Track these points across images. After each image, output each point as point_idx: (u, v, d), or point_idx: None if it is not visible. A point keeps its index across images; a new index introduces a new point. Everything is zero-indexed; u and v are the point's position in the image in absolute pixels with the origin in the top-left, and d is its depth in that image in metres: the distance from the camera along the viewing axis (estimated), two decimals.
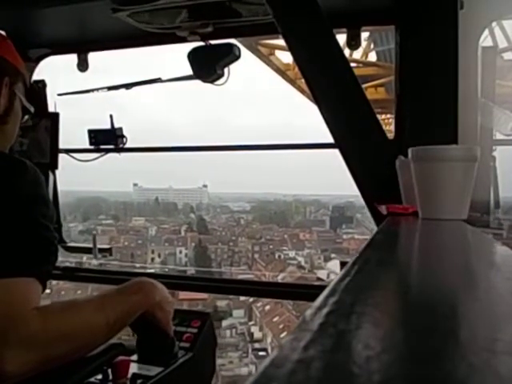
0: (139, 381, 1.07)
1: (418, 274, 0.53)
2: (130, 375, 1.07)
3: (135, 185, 27.35)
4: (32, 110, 1.20)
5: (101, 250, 2.35)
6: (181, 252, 19.21)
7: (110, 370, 1.06)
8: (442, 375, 0.21)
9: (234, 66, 1.90)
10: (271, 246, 18.63)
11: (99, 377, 1.05)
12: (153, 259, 18.93)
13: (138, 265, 17.96)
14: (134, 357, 1.15)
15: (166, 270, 17.48)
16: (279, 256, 17.65)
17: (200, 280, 2.31)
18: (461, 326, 0.31)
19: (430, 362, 0.22)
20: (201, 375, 1.30)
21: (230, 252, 19.34)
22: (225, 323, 15.17)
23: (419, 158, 1.07)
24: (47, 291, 0.96)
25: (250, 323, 15.27)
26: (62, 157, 2.26)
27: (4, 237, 0.85)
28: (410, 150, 1.09)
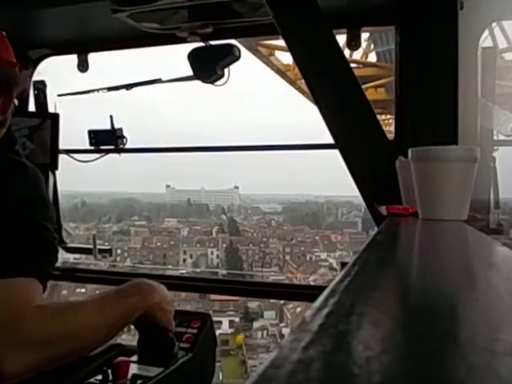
0: (139, 381, 1.07)
1: (418, 274, 0.53)
2: (129, 376, 1.07)
3: (168, 186, 27.62)
4: (16, 103, 1.17)
5: (101, 251, 2.35)
6: (212, 253, 19.35)
7: (109, 371, 1.06)
8: (441, 375, 0.21)
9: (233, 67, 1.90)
10: (302, 248, 18.58)
11: (99, 377, 1.05)
12: (185, 260, 19.13)
13: (170, 266, 18.17)
14: (134, 357, 1.15)
15: (198, 270, 17.64)
16: (310, 258, 17.56)
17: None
18: (461, 327, 0.31)
19: (429, 362, 0.22)
20: (201, 376, 1.30)
21: (261, 253, 19.38)
22: (256, 324, 15.22)
23: (419, 159, 1.07)
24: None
25: (281, 325, 15.26)
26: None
27: (4, 237, 0.85)
28: (410, 151, 1.09)
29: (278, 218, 22.44)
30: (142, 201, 25.60)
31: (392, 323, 0.32)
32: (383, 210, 1.29)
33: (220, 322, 15.75)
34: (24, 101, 2.29)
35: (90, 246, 2.35)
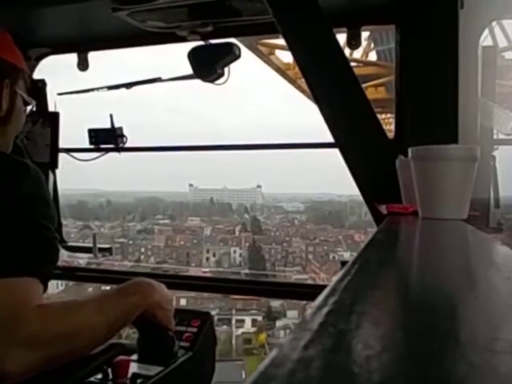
0: (139, 380, 1.07)
1: (418, 273, 0.53)
2: (129, 375, 1.07)
3: (191, 185, 27.84)
4: (33, 102, 1.20)
5: (101, 250, 2.35)
6: (235, 252, 19.48)
7: (109, 370, 1.06)
8: (442, 374, 0.21)
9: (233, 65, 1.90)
10: (325, 247, 18.57)
11: (99, 376, 1.05)
12: (208, 259, 19.30)
13: (193, 264, 18.25)
14: (134, 356, 1.15)
15: (220, 270, 17.74)
16: (333, 257, 17.54)
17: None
18: (461, 326, 0.31)
19: (430, 361, 0.22)
20: (201, 375, 1.30)
21: (284, 252, 19.43)
22: (279, 323, 15.26)
23: (419, 158, 1.07)
24: None
25: None
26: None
27: (6, 237, 0.85)
28: (410, 150, 1.09)
29: (301, 217, 22.48)
30: (165, 200, 25.93)
31: (392, 322, 0.32)
32: (383, 208, 1.29)
33: (243, 321, 15.79)
34: None
35: (90, 245, 2.35)
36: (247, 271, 17.71)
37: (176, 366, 1.15)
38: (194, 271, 17.02)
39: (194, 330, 1.28)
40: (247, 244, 19.64)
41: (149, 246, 19.61)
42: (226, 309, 15.98)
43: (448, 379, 0.21)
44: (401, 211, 1.23)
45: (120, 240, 19.67)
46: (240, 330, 15.55)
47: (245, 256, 19.32)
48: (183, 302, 14.51)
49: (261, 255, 19.24)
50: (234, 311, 15.94)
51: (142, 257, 18.98)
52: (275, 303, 15.20)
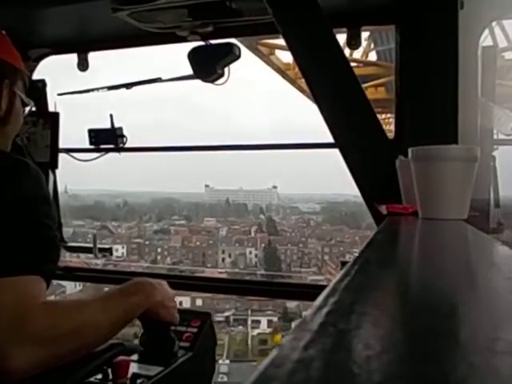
0: (139, 380, 1.07)
1: (418, 273, 0.53)
2: (129, 375, 1.07)
3: (207, 186, 27.93)
4: (32, 103, 1.20)
5: (101, 250, 2.35)
6: (251, 252, 19.51)
7: (109, 370, 1.06)
8: (442, 375, 0.21)
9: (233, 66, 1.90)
10: (341, 248, 18.48)
11: (99, 376, 1.05)
12: (223, 259, 19.36)
13: (209, 265, 18.27)
14: (134, 356, 1.15)
15: (236, 270, 17.74)
16: (350, 258, 17.40)
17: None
18: (461, 326, 0.31)
19: (430, 362, 0.22)
20: (201, 375, 1.30)
21: (300, 253, 19.38)
22: (294, 324, 15.24)
23: (419, 158, 1.07)
24: None
25: None
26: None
27: (8, 236, 0.86)
28: (410, 150, 1.09)
29: (317, 218, 22.42)
30: (181, 200, 26.05)
31: (392, 322, 0.32)
32: (383, 209, 1.29)
33: (258, 322, 15.78)
34: None
35: (90, 245, 2.35)
36: (263, 272, 17.70)
37: (176, 366, 1.15)
38: (209, 272, 17.06)
39: (194, 330, 1.28)
40: (263, 245, 19.63)
41: (165, 246, 19.67)
42: (241, 309, 16.00)
43: (448, 379, 0.21)
44: (401, 211, 1.23)
45: (136, 240, 19.81)
46: (256, 331, 15.56)
47: (260, 257, 19.33)
48: (199, 302, 14.58)
49: (276, 256, 19.23)
50: (249, 312, 15.95)
51: (159, 257, 19.03)
52: (291, 304, 15.18)
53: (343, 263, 1.70)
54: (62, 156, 2.27)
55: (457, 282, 0.46)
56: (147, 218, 22.15)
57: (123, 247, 18.80)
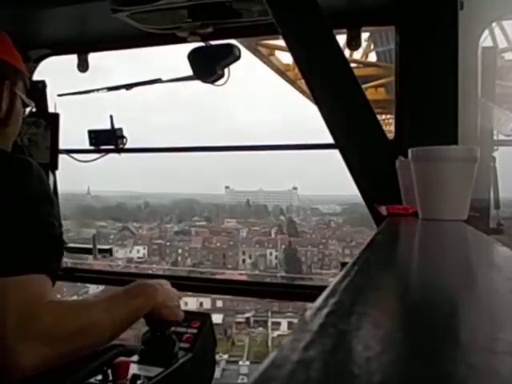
0: (139, 381, 1.07)
1: (418, 274, 0.53)
2: (129, 376, 1.07)
3: (227, 187, 27.95)
4: (32, 104, 1.20)
5: (101, 251, 2.35)
6: (271, 254, 19.49)
7: (109, 371, 1.06)
8: (442, 375, 0.21)
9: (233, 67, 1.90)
10: None
11: (99, 377, 1.05)
12: (244, 260, 19.35)
13: (229, 266, 18.27)
14: (134, 357, 1.15)
15: (257, 272, 17.75)
16: None
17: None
18: (461, 326, 0.31)
19: (429, 362, 0.22)
20: (201, 376, 1.30)
21: (320, 255, 19.29)
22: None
23: (419, 159, 1.07)
24: None
25: None
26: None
27: (14, 235, 0.87)
28: (410, 151, 1.09)
29: (338, 219, 22.28)
30: (201, 202, 26.11)
31: (392, 323, 0.32)
32: (383, 210, 1.29)
33: (279, 323, 15.77)
34: None
35: (90, 246, 2.35)
36: (283, 274, 17.65)
37: (176, 367, 1.15)
38: (230, 274, 17.04)
39: (194, 331, 1.28)
40: (283, 246, 19.56)
41: (186, 247, 19.66)
42: (262, 310, 15.95)
43: (448, 380, 0.21)
44: (401, 212, 1.23)
45: (157, 241, 19.81)
46: (276, 333, 15.53)
47: (281, 258, 19.27)
48: (220, 303, 14.69)
49: (297, 257, 19.14)
50: (270, 313, 15.92)
51: (179, 258, 19.03)
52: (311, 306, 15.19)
53: (343, 264, 1.70)
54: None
55: (457, 283, 0.46)
56: (168, 219, 22.15)
57: (144, 248, 18.85)
